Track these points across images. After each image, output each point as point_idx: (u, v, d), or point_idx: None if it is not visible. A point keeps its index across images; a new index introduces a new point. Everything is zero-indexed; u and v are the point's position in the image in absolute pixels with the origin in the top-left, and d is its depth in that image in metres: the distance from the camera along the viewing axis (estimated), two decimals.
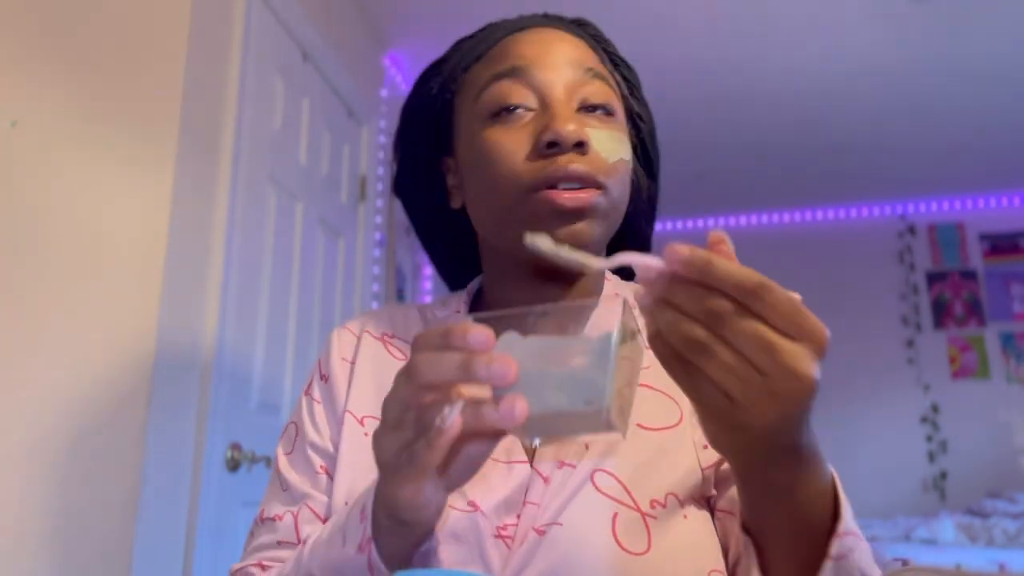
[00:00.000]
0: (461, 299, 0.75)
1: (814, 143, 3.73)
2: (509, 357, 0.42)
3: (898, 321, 4.40)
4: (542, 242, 0.47)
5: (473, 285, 0.77)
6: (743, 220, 4.73)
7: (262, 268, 1.88)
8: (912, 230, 4.52)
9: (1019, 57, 2.99)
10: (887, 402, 4.26)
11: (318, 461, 0.68)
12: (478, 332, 0.43)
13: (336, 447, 0.68)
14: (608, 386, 0.42)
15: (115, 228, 1.49)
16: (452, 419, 0.43)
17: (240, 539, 1.70)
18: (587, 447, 0.61)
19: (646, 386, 0.65)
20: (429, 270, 3.30)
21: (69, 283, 1.46)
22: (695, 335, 0.40)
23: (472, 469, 0.48)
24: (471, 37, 0.74)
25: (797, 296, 0.40)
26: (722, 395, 0.40)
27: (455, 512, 0.59)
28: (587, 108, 0.66)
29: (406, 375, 0.45)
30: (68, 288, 1.46)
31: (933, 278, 4.43)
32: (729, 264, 0.39)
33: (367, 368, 0.72)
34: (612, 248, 0.79)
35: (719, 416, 0.42)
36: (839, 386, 4.21)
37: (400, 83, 3.03)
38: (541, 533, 0.58)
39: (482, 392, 0.44)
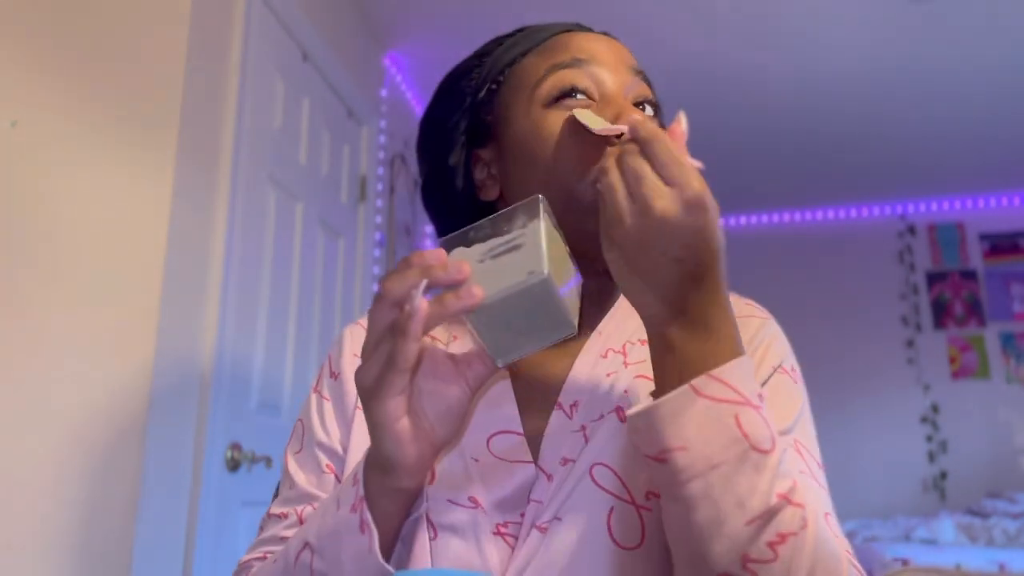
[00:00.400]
0: None
1: (814, 143, 3.73)
2: (461, 260, 0.49)
3: (898, 321, 4.40)
4: (584, 116, 0.60)
5: None
6: (743, 220, 4.73)
7: (262, 268, 1.88)
8: (912, 230, 4.51)
9: (1019, 57, 2.99)
10: (887, 402, 4.26)
11: (324, 460, 0.68)
12: (431, 250, 0.50)
13: (344, 447, 0.68)
14: (543, 253, 0.49)
15: (115, 228, 1.49)
16: (418, 300, 0.48)
17: (240, 539, 1.70)
18: (586, 440, 0.61)
19: (644, 377, 0.65)
20: None
21: (69, 282, 1.46)
22: (603, 161, 0.54)
23: (451, 416, 0.53)
24: (511, 36, 0.75)
25: (693, 163, 0.51)
26: (607, 207, 0.51)
27: (455, 508, 0.60)
28: (640, 107, 0.68)
29: (376, 301, 0.50)
30: (68, 287, 1.46)
31: (933, 278, 4.43)
32: (647, 123, 0.52)
33: None
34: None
35: (603, 227, 0.52)
36: (839, 386, 4.21)
37: (400, 83, 3.03)
38: (543, 530, 0.59)
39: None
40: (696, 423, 0.48)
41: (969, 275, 4.39)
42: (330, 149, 2.34)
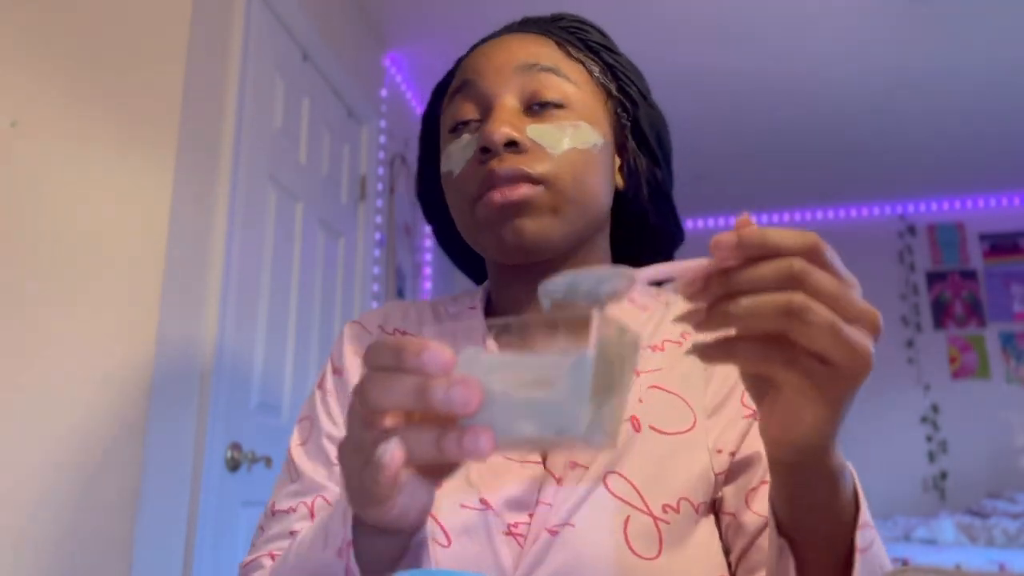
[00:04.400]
0: (476, 296, 0.75)
1: (814, 143, 3.73)
2: (473, 380, 0.37)
3: (898, 321, 4.40)
4: (545, 299, 0.43)
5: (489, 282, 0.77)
6: None
7: (262, 268, 1.88)
8: (912, 230, 4.51)
9: (1019, 57, 2.99)
10: (887, 402, 4.26)
11: (334, 452, 0.67)
12: (435, 351, 0.38)
13: None
14: (583, 415, 0.37)
15: (115, 228, 1.49)
16: (390, 455, 0.38)
17: (240, 539, 1.70)
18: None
19: (658, 388, 0.64)
20: (429, 270, 3.30)
21: (69, 282, 1.46)
22: (788, 301, 0.36)
23: (454, 468, 0.45)
24: (459, 59, 0.77)
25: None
26: (818, 362, 0.38)
27: (467, 510, 0.60)
28: (537, 105, 0.66)
29: (358, 395, 0.40)
30: (68, 287, 1.46)
31: (933, 278, 4.43)
32: (782, 230, 0.38)
33: None
34: (626, 251, 0.78)
35: (812, 389, 0.39)
36: None
37: (400, 83, 3.03)
38: (553, 533, 0.58)
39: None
40: None
41: (969, 275, 4.39)
42: (330, 149, 2.34)
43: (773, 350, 0.38)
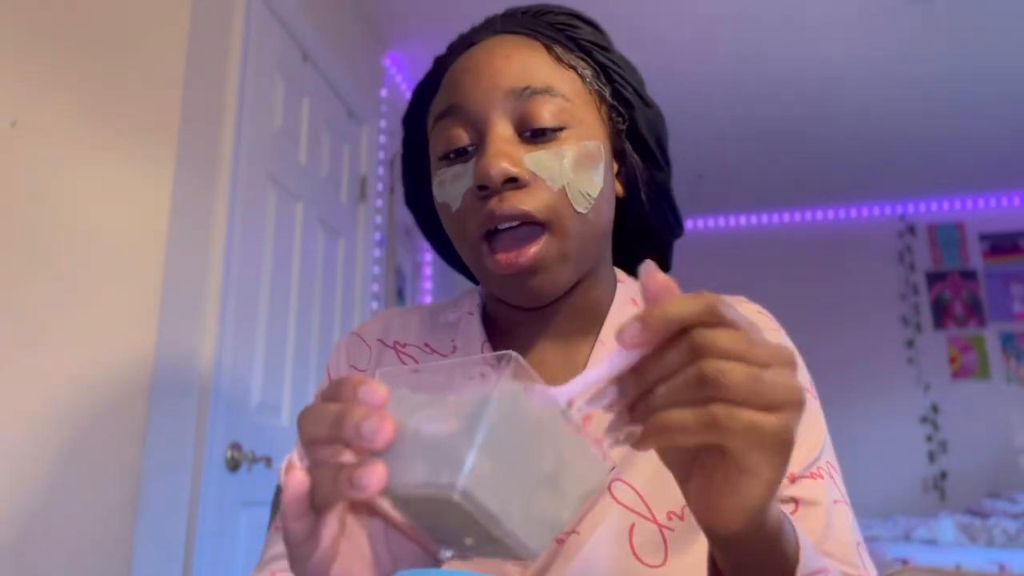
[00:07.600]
0: (474, 300, 0.73)
1: (814, 143, 3.73)
2: (387, 415, 0.36)
3: (898, 321, 4.40)
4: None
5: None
6: (743, 220, 4.72)
7: (262, 268, 1.88)
8: (912, 230, 4.51)
9: (1019, 57, 2.99)
10: (887, 402, 4.26)
11: None
12: (370, 387, 0.37)
13: None
14: (469, 459, 0.33)
15: (115, 228, 1.49)
16: (296, 481, 0.38)
17: (240, 539, 1.70)
18: (603, 455, 0.59)
19: None
20: (429, 270, 3.30)
21: (69, 281, 1.46)
22: (710, 415, 0.37)
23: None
24: (438, 59, 0.71)
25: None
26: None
27: None
28: (530, 132, 0.62)
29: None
30: (68, 286, 1.46)
31: (933, 278, 4.43)
32: (679, 300, 0.38)
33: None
34: (629, 251, 0.77)
35: (759, 450, 0.38)
36: (839, 386, 4.20)
37: (400, 83, 3.03)
38: (559, 542, 0.58)
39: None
40: None
41: (969, 275, 4.39)
42: (330, 149, 2.34)
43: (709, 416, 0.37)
